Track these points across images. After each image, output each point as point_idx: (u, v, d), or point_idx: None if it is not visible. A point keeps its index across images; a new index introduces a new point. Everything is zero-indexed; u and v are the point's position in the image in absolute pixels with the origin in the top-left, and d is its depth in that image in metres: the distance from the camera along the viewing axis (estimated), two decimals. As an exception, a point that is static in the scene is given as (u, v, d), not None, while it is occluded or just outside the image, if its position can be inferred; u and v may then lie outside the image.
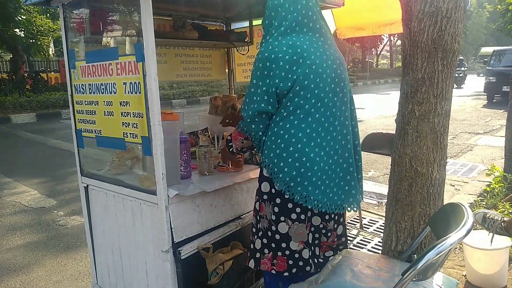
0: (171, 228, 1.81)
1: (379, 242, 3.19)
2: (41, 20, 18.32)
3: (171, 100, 14.54)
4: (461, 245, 2.77)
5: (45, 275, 3.07)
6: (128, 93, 1.84)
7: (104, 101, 1.99)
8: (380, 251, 2.91)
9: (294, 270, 1.65)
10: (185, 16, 2.72)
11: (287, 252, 1.65)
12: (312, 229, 1.68)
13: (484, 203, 3.79)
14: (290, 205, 1.62)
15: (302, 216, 1.62)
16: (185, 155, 1.99)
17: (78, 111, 2.19)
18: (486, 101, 13.39)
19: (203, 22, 2.99)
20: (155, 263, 1.92)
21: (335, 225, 1.77)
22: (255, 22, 3.10)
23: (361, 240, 3.30)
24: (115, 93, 1.91)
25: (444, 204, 1.97)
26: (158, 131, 1.73)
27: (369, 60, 29.50)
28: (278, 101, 1.62)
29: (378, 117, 10.43)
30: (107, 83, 1.94)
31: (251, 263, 1.76)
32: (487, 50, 26.85)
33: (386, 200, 2.21)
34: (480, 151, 6.56)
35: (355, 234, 3.39)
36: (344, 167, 1.68)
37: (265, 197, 1.68)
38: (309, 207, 1.59)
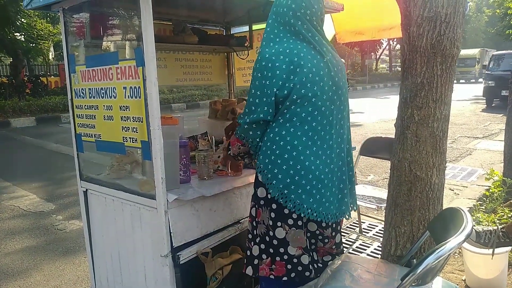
0: (170, 233, 1.80)
1: (378, 246, 3.18)
2: (41, 24, 18.36)
3: (171, 104, 14.55)
4: (460, 250, 2.77)
5: (43, 280, 3.06)
6: (128, 97, 1.84)
7: (104, 106, 1.99)
8: (379, 256, 2.90)
9: (293, 275, 1.64)
10: (185, 21, 2.73)
11: (286, 257, 1.64)
12: (308, 234, 1.68)
13: (483, 207, 3.79)
14: (286, 211, 1.62)
15: (299, 222, 1.62)
16: (184, 159, 1.99)
17: (78, 116, 2.19)
18: (485, 105, 13.42)
19: (203, 26, 3.00)
20: (154, 268, 1.92)
21: (333, 233, 1.76)
22: (254, 27, 3.11)
23: (360, 244, 3.29)
24: (115, 97, 1.91)
25: (443, 208, 1.97)
26: (158, 136, 1.73)
27: (368, 64, 29.58)
28: (276, 107, 1.62)
29: (377, 121, 10.44)
30: (107, 88, 1.95)
31: (249, 270, 1.74)
32: (467, 52, 26.11)
33: (385, 205, 2.21)
34: (479, 155, 6.56)
35: (355, 238, 3.39)
36: (338, 175, 1.69)
37: (261, 202, 1.68)
38: (302, 215, 1.59)
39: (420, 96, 1.91)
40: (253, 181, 2.16)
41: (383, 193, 2.98)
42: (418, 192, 1.97)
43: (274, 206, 1.63)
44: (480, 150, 6.90)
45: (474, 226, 2.07)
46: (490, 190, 3.95)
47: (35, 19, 17.74)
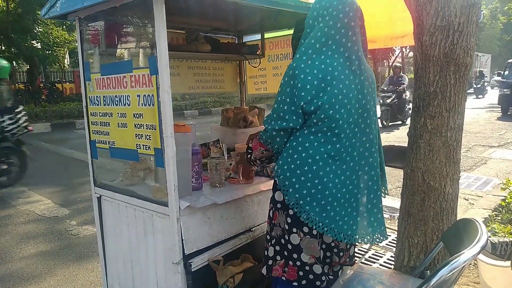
0: (182, 240, 1.81)
1: (391, 257, 3.14)
2: (57, 31, 18.75)
3: (183, 111, 14.67)
4: (475, 262, 2.72)
5: (56, 285, 3.09)
6: (142, 105, 1.87)
7: (118, 113, 2.02)
8: (392, 266, 2.87)
9: (303, 282, 1.64)
10: (198, 29, 2.76)
11: (298, 263, 1.64)
12: (324, 246, 1.66)
13: (499, 218, 3.72)
14: (302, 219, 1.61)
15: (314, 232, 1.61)
16: (196, 166, 2.00)
17: (93, 123, 2.23)
18: (501, 114, 13.20)
19: (215, 35, 3.03)
20: (166, 275, 1.92)
21: (348, 246, 1.75)
22: (266, 35, 3.14)
23: (372, 254, 3.25)
24: (129, 105, 1.94)
25: (457, 219, 1.94)
26: (171, 143, 1.75)
27: (381, 71, 29.40)
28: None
29: (389, 129, 10.36)
30: (121, 95, 1.98)
31: (264, 270, 1.76)
32: None
33: (398, 214, 2.19)
34: (495, 164, 6.45)
35: (366, 248, 3.35)
36: (358, 198, 1.65)
37: (278, 205, 1.69)
38: (314, 227, 1.58)
39: (433, 105, 1.89)
40: (265, 189, 2.18)
41: (396, 202, 2.95)
42: (431, 202, 1.95)
43: (291, 212, 1.63)
44: (496, 159, 6.79)
45: (490, 237, 2.03)
46: (506, 200, 3.88)
47: (51, 27, 18.13)
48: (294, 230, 1.63)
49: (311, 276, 1.64)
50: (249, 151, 1.83)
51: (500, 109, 13.40)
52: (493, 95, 17.45)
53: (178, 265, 1.81)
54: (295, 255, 1.65)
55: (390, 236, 3.54)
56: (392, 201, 3.24)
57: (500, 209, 3.93)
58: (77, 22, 2.17)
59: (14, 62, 17.06)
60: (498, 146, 8.00)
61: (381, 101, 10.60)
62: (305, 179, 1.57)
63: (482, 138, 8.89)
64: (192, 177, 1.97)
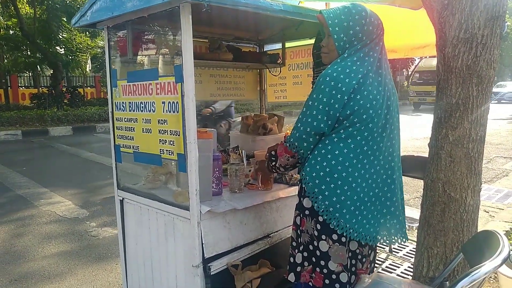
0: (202, 244, 1.85)
1: (408, 267, 3.11)
2: (80, 38, 19.24)
3: (202, 117, 14.78)
4: (496, 275, 2.67)
5: (77, 284, 3.17)
6: (166, 112, 1.92)
7: (143, 119, 2.08)
8: (409, 277, 2.84)
9: None
10: (220, 38, 2.82)
11: (325, 271, 1.65)
12: (350, 254, 1.67)
13: (521, 231, 3.64)
14: (331, 226, 1.62)
15: (343, 239, 1.63)
16: (217, 172, 2.05)
17: (118, 127, 2.30)
18: (523, 125, 12.92)
19: (237, 44, 3.09)
20: (185, 278, 1.96)
21: (369, 251, 1.76)
22: (287, 44, 3.18)
23: (390, 264, 3.23)
24: (153, 111, 2.00)
25: (478, 231, 1.92)
26: (194, 149, 1.80)
27: (400, 80, 29.12)
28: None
29: (409, 139, 10.24)
30: (146, 102, 2.04)
31: (291, 277, 1.77)
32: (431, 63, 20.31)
33: (417, 224, 2.18)
34: (517, 177, 6.32)
35: (384, 258, 3.33)
36: (382, 201, 1.68)
37: (306, 212, 1.69)
38: (344, 234, 1.60)
39: (455, 116, 1.89)
40: (283, 196, 2.20)
41: (415, 212, 2.92)
42: (452, 213, 1.94)
43: (320, 219, 1.64)
44: (518, 172, 6.64)
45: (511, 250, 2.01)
46: (528, 214, 3.80)
47: (74, 33, 18.62)
48: (323, 237, 1.65)
49: (337, 285, 1.65)
50: (272, 158, 1.84)
51: (522, 120, 13.10)
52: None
53: (198, 268, 1.85)
54: (322, 262, 1.66)
55: (407, 246, 3.51)
56: (410, 211, 3.21)
57: (522, 222, 3.85)
58: (106, 31, 2.26)
59: (38, 66, 17.59)
60: (520, 158, 7.83)
61: None
62: (334, 186, 1.59)
63: (503, 149, 8.71)
64: (212, 183, 2.01)
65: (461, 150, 1.90)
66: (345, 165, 1.59)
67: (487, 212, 4.48)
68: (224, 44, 2.82)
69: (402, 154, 1.86)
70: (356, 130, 1.58)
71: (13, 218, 4.71)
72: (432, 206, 1.99)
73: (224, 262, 1.93)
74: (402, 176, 1.85)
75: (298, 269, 1.75)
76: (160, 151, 2.00)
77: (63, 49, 17.97)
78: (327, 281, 1.65)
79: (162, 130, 1.97)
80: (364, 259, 1.73)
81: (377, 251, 3.36)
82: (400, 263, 3.23)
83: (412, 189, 5.52)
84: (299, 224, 1.75)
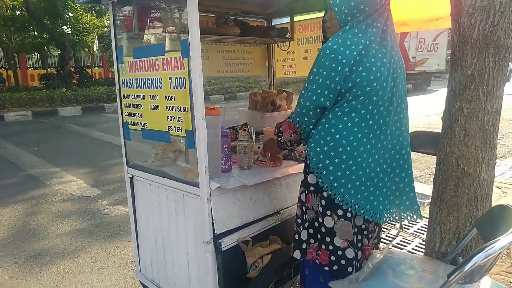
0: (212, 220, 1.85)
1: (420, 243, 3.11)
2: (87, 17, 19.12)
3: (209, 95, 14.76)
4: (508, 251, 2.65)
5: (90, 261, 3.23)
6: (174, 87, 1.89)
7: (150, 95, 2.06)
8: (420, 253, 2.84)
9: (335, 267, 1.64)
10: (227, 13, 2.76)
11: (331, 247, 1.64)
12: (356, 230, 1.65)
13: (534, 207, 3.59)
14: (336, 201, 1.61)
15: (348, 214, 1.60)
16: (226, 149, 2.03)
17: (125, 105, 2.28)
18: (538, 100, 12.62)
19: (244, 18, 3.01)
20: (196, 254, 1.97)
21: (375, 227, 1.75)
22: (296, 18, 3.09)
23: (400, 241, 3.23)
24: (161, 87, 1.97)
25: (492, 206, 1.89)
26: (202, 125, 1.77)
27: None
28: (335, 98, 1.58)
29: (420, 116, 10.10)
30: (153, 78, 2.01)
31: (297, 254, 1.76)
32: None
33: (428, 201, 2.16)
34: (530, 152, 6.22)
35: (395, 234, 3.32)
36: (391, 177, 1.65)
37: (311, 188, 1.68)
38: (349, 210, 1.58)
39: (470, 88, 1.84)
40: (293, 172, 2.18)
41: (426, 189, 2.90)
42: (465, 188, 1.90)
43: (325, 194, 1.62)
44: (531, 147, 6.53)
45: None
46: (542, 189, 3.74)
47: (81, 12, 18.49)
48: (328, 212, 1.63)
49: (343, 262, 1.63)
50: (280, 134, 1.83)
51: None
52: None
53: (209, 245, 1.85)
54: (328, 239, 1.65)
55: (418, 223, 3.49)
56: (422, 187, 3.18)
57: (535, 198, 3.80)
58: (111, 6, 2.21)
59: (45, 47, 17.58)
60: (534, 133, 7.69)
61: None
62: (339, 161, 1.56)
63: (517, 125, 8.56)
64: (221, 159, 2.00)
65: (476, 123, 1.85)
66: (349, 139, 1.55)
67: (500, 188, 4.43)
68: (231, 18, 2.75)
69: (412, 130, 1.82)
70: (360, 103, 1.54)
71: (27, 197, 4.79)
72: (445, 181, 1.96)
73: (235, 238, 1.93)
74: (414, 153, 1.82)
75: (304, 246, 1.74)
76: (168, 128, 1.98)
77: (69, 29, 17.89)
78: (332, 258, 1.64)
79: (170, 106, 1.94)
80: (370, 235, 1.72)
81: (388, 227, 3.38)
82: (411, 240, 3.22)
83: (423, 165, 5.48)
84: (304, 201, 1.73)
